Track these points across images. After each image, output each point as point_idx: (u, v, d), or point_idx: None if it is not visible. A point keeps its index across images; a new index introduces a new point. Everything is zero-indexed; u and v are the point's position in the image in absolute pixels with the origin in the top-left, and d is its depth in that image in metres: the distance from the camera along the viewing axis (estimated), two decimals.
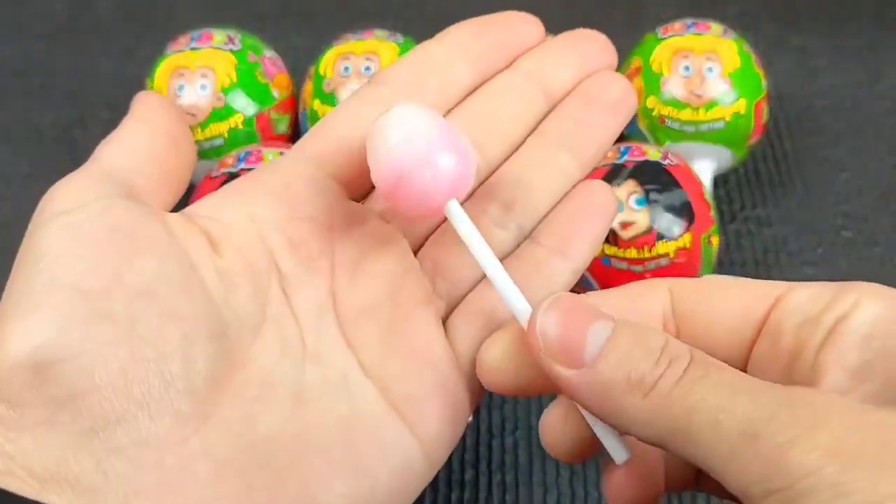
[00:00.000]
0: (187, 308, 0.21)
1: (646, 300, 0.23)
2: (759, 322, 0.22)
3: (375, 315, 0.24)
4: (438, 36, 0.28)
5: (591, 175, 0.41)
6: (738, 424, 0.18)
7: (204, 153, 0.46)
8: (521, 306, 0.23)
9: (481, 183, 0.27)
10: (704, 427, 0.18)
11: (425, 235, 0.27)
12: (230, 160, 0.41)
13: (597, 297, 0.23)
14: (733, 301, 0.22)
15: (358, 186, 0.26)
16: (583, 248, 0.26)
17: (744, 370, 0.22)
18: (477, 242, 0.24)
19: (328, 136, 0.26)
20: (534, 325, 0.20)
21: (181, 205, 0.53)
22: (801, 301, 0.21)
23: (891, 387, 0.19)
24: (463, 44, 0.28)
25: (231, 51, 0.47)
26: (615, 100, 0.28)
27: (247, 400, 0.22)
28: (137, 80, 0.57)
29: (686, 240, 0.39)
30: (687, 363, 0.19)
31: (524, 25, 0.29)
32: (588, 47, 0.28)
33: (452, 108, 0.28)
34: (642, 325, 0.20)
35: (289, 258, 0.24)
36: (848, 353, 0.20)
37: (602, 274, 0.40)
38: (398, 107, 0.24)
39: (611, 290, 0.24)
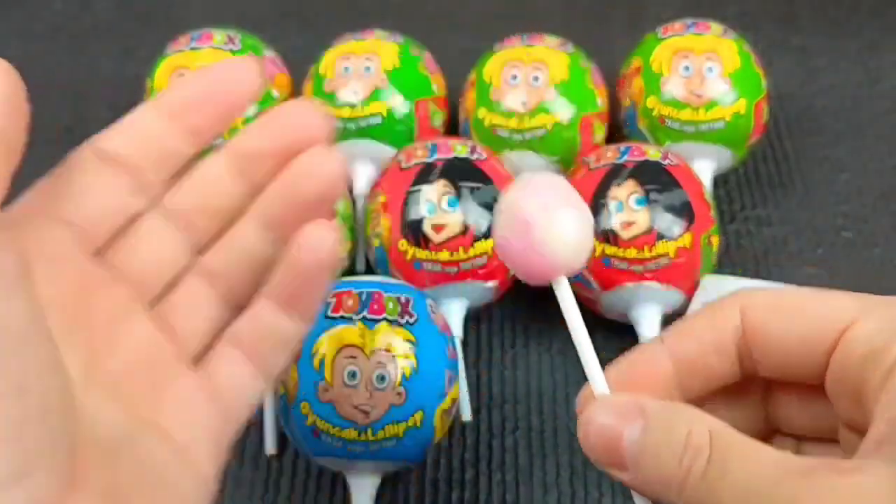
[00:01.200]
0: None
1: (720, 321, 0.25)
2: (829, 347, 0.23)
3: (136, 375, 0.24)
4: (156, 101, 0.27)
5: (591, 175, 0.42)
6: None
7: (205, 153, 0.46)
8: (601, 387, 0.26)
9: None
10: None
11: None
12: None
13: (678, 327, 0.26)
14: (803, 324, 0.23)
15: None
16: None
17: (821, 384, 0.23)
18: (576, 318, 0.27)
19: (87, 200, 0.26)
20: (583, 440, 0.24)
21: None
22: (868, 332, 0.22)
23: None
24: (179, 112, 0.27)
25: (231, 51, 0.47)
26: (322, 181, 0.26)
27: None
28: (137, 80, 0.58)
29: (686, 240, 0.39)
30: (706, 460, 0.21)
31: (239, 81, 0.27)
32: (298, 121, 0.27)
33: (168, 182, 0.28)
34: (669, 414, 0.22)
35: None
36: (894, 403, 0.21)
37: (602, 274, 0.40)
38: (536, 177, 0.27)
39: (689, 317, 0.26)
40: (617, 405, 0.23)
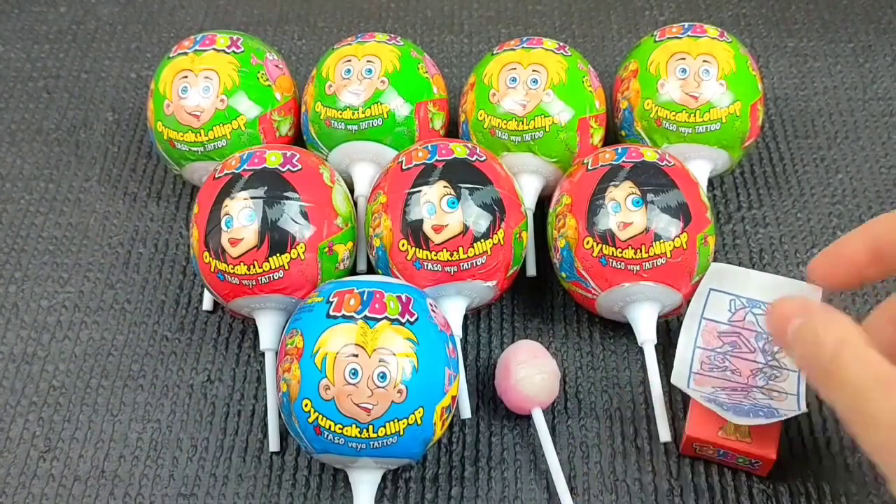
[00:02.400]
0: None
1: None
2: None
3: None
4: None
5: (588, 177, 0.42)
6: (888, 416, 0.26)
7: (207, 155, 0.46)
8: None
9: None
10: (859, 411, 0.27)
11: None
12: (233, 161, 0.42)
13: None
14: None
15: None
16: None
17: None
18: (549, 443, 0.39)
19: None
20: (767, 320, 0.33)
21: (185, 206, 0.54)
22: None
23: None
24: None
25: (234, 54, 0.47)
26: None
27: None
28: (141, 82, 0.58)
29: (682, 240, 0.40)
30: (829, 358, 0.28)
31: None
32: None
33: None
34: (822, 318, 0.30)
35: None
36: None
37: (600, 274, 0.41)
38: (520, 343, 0.41)
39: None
40: (795, 302, 0.31)
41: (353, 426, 0.35)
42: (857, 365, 0.28)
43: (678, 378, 0.39)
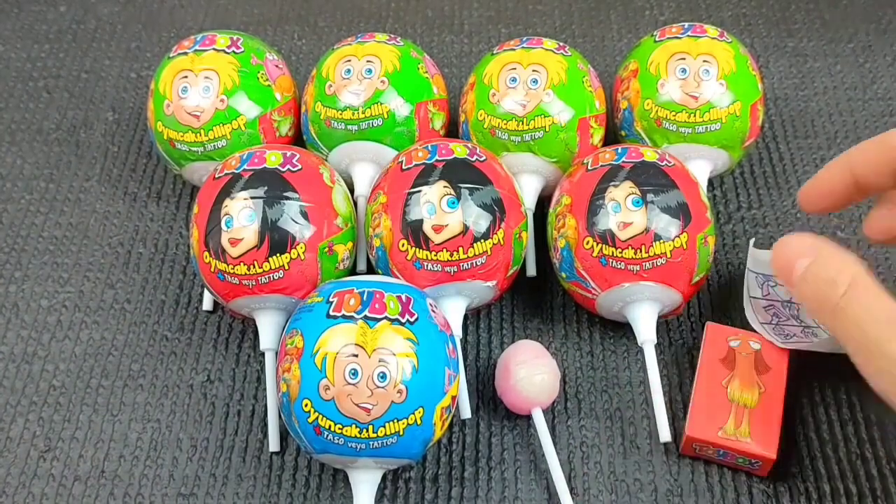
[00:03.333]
0: None
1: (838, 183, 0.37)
2: None
3: None
4: None
5: (588, 177, 0.42)
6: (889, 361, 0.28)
7: (207, 155, 0.46)
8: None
9: None
10: (870, 350, 0.29)
11: None
12: (233, 161, 0.42)
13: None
14: None
15: None
16: None
17: None
18: (549, 443, 0.40)
19: None
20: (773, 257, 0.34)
21: (185, 206, 0.54)
22: None
23: None
24: None
25: (234, 54, 0.47)
26: None
27: None
28: (141, 82, 0.58)
29: (682, 240, 0.40)
30: (840, 295, 0.30)
31: None
32: None
33: None
34: (832, 256, 0.31)
35: None
36: None
37: (600, 274, 0.41)
38: (519, 343, 0.42)
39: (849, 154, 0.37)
40: (803, 241, 0.32)
41: (353, 426, 0.35)
42: (868, 305, 0.29)
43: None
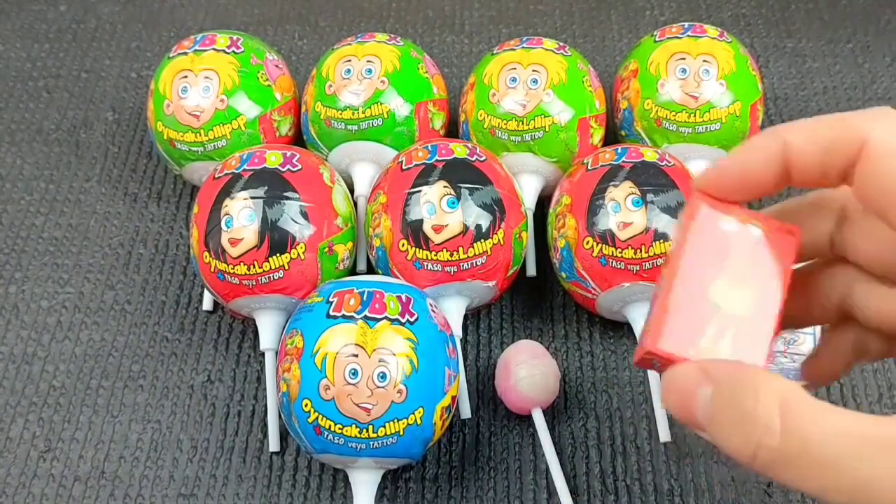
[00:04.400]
0: None
1: (766, 156, 0.25)
2: (852, 157, 0.23)
3: None
4: None
5: (588, 177, 0.42)
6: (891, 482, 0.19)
7: (207, 155, 0.46)
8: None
9: None
10: (846, 489, 0.20)
11: None
12: (233, 161, 0.42)
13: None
14: (825, 127, 0.24)
15: None
16: None
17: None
18: (548, 443, 0.40)
19: None
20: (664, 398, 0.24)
21: (185, 206, 0.54)
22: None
23: None
24: None
25: (234, 54, 0.47)
26: None
27: None
28: (141, 81, 0.58)
29: None
30: (778, 437, 0.20)
31: None
32: None
33: None
34: (734, 383, 0.22)
35: None
36: None
37: (599, 274, 0.41)
38: (519, 343, 0.41)
39: (733, 156, 0.26)
40: (686, 369, 0.23)
41: (353, 426, 0.35)
42: (822, 431, 0.20)
43: None
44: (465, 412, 0.41)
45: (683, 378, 0.23)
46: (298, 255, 0.40)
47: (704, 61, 0.46)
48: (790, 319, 0.26)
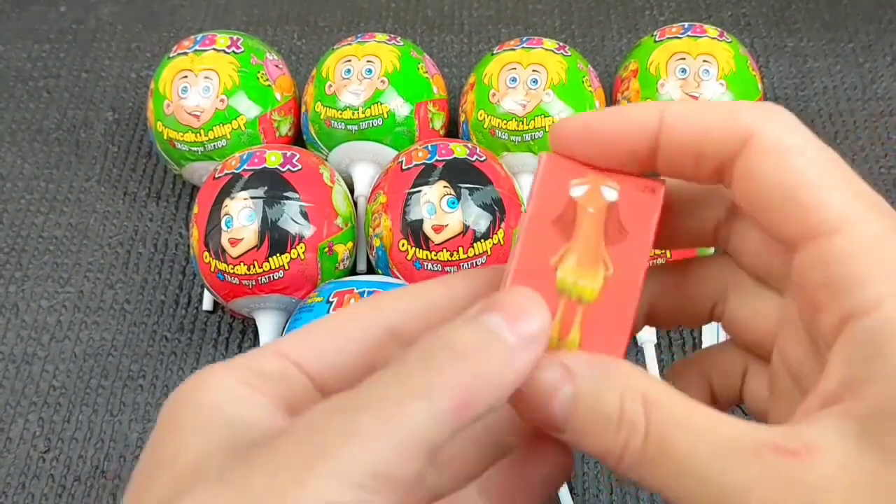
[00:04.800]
0: None
1: (637, 121, 0.21)
2: (734, 150, 0.20)
3: None
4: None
5: None
6: (760, 492, 0.17)
7: (207, 155, 0.46)
8: None
9: None
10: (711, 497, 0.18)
11: None
12: (233, 161, 0.42)
13: (591, 118, 0.21)
14: (706, 113, 0.20)
15: None
16: None
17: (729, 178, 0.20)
18: None
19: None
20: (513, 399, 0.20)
21: (185, 206, 0.54)
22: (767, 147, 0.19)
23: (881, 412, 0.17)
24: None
25: (234, 54, 0.47)
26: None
27: None
28: (141, 81, 0.58)
29: None
30: (642, 437, 0.18)
31: None
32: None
33: None
34: (598, 380, 0.19)
35: None
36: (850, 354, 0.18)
37: None
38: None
39: (603, 110, 0.22)
40: (542, 367, 0.20)
41: None
42: (688, 434, 0.18)
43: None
44: None
45: (542, 376, 0.19)
46: (298, 255, 0.40)
47: (704, 61, 0.46)
48: (661, 318, 0.24)
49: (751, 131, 0.19)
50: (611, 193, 0.22)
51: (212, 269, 0.41)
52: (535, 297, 0.20)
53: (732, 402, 0.24)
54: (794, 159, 0.19)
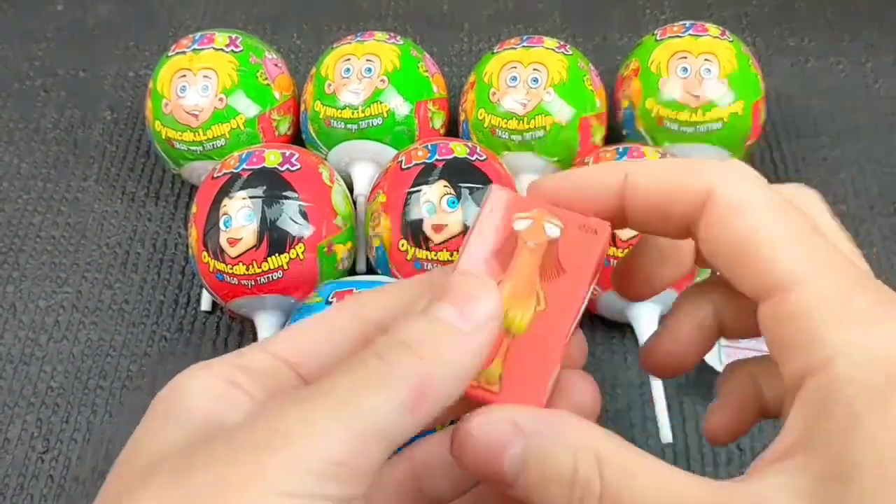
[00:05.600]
0: None
1: (601, 184, 0.21)
2: (694, 213, 0.20)
3: None
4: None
5: None
6: None
7: (206, 154, 0.46)
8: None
9: None
10: None
11: None
12: (232, 161, 0.42)
13: (555, 182, 0.22)
14: (672, 173, 0.21)
15: None
16: None
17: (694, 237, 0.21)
18: None
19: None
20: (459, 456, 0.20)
21: (184, 205, 0.54)
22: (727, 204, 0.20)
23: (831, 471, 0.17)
24: None
25: (233, 52, 0.47)
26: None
27: None
28: (140, 80, 0.58)
29: None
30: (597, 498, 0.18)
31: None
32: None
33: None
34: (549, 437, 0.19)
35: None
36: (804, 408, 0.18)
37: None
38: None
39: (571, 171, 0.23)
40: (490, 422, 0.19)
41: None
42: (638, 494, 0.18)
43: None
44: None
45: (490, 430, 0.19)
46: (297, 254, 0.40)
47: (706, 60, 0.46)
48: (728, 330, 0.24)
49: (711, 189, 0.20)
50: (553, 230, 0.22)
51: (210, 269, 0.40)
52: (482, 280, 0.20)
53: (777, 412, 0.23)
54: (751, 216, 0.19)
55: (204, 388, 0.19)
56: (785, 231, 0.19)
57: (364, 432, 0.17)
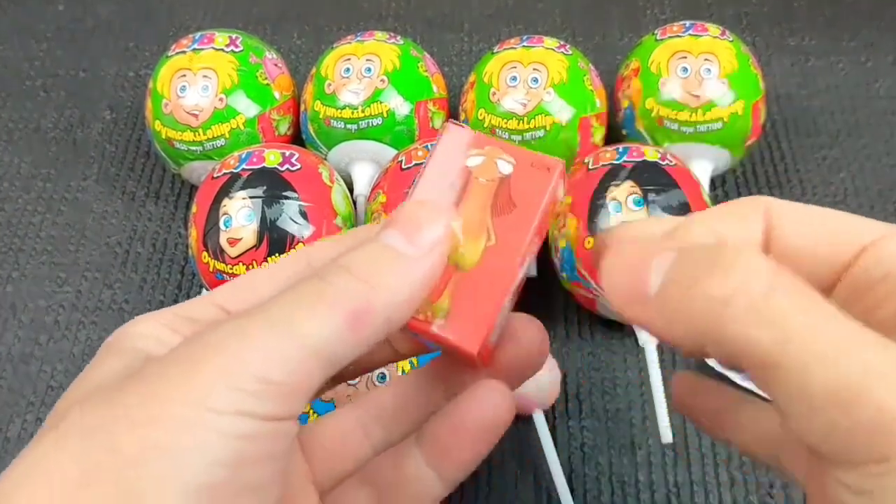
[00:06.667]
0: None
1: (744, 221, 0.20)
2: (848, 258, 0.19)
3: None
4: None
5: (589, 176, 0.42)
6: (833, 381, 0.15)
7: (206, 154, 0.46)
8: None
9: None
10: (792, 369, 0.16)
11: None
12: (232, 161, 0.42)
13: (694, 219, 0.20)
14: (824, 228, 0.19)
15: None
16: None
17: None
18: (549, 444, 0.39)
19: None
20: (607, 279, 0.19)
21: (183, 205, 0.53)
22: (891, 252, 0.18)
23: None
24: None
25: (233, 52, 0.47)
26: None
27: None
28: (139, 80, 0.58)
29: None
30: (762, 290, 0.16)
31: None
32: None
33: None
34: (709, 248, 0.18)
35: None
36: None
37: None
38: None
39: (707, 211, 0.21)
40: (644, 232, 0.19)
41: None
42: (828, 329, 0.16)
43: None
44: None
45: (639, 250, 0.18)
46: None
47: (706, 60, 0.46)
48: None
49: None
50: (505, 167, 0.22)
51: (210, 269, 0.40)
52: (431, 205, 0.20)
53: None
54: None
55: (148, 333, 0.19)
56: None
57: (299, 350, 0.17)
